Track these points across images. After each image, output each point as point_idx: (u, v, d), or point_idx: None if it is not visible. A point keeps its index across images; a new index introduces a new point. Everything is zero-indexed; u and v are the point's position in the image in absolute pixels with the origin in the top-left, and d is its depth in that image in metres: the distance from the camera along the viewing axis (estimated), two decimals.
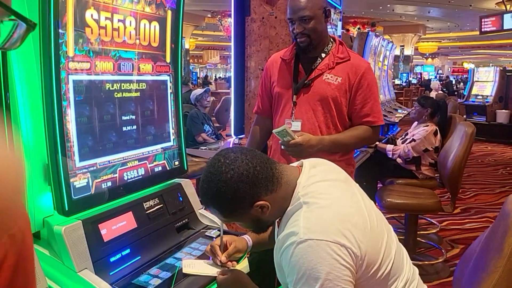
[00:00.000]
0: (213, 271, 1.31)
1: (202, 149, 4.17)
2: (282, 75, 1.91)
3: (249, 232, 1.45)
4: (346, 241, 1.00)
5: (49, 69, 1.18)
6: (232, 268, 1.33)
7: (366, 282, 1.05)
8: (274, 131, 1.73)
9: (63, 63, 1.22)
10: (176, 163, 1.71)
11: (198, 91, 5.10)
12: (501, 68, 9.82)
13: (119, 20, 1.39)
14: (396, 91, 10.86)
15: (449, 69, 29.82)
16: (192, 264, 1.36)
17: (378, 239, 1.08)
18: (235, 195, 1.06)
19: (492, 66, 12.39)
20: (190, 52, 21.36)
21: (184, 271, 1.31)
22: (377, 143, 3.77)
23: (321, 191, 1.10)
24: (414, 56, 22.74)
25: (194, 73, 23.28)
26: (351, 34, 7.15)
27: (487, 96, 9.18)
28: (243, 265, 1.42)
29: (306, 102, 1.84)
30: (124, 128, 1.45)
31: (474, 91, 9.57)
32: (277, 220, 1.21)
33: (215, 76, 26.03)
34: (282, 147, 1.77)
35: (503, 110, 8.87)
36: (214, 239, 1.47)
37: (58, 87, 1.20)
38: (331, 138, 1.81)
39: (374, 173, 3.66)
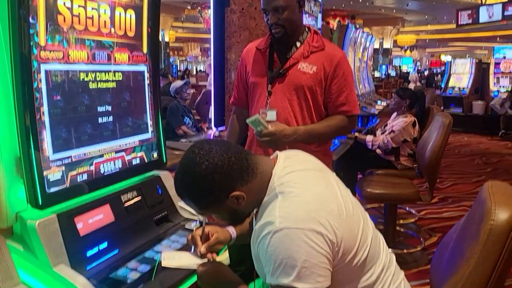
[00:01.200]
0: (193, 263, 1.29)
1: (182, 141, 4.12)
2: (257, 64, 1.89)
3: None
4: (322, 229, 1.00)
5: (20, 58, 1.13)
6: (212, 260, 1.32)
7: (343, 269, 1.05)
8: (247, 120, 1.72)
9: (34, 53, 1.18)
10: (155, 155, 1.69)
11: (178, 83, 5.04)
12: (477, 61, 10.02)
13: (92, 8, 1.35)
14: (375, 83, 10.97)
15: (427, 61, 30.28)
16: (172, 256, 1.34)
17: (354, 226, 1.09)
18: (210, 186, 1.06)
19: (468, 58, 12.64)
20: (170, 44, 21.07)
21: (163, 264, 1.29)
22: (356, 134, 3.80)
23: (296, 180, 1.09)
24: (393, 49, 23.00)
25: (174, 66, 23.01)
26: (331, 27, 7.17)
27: (464, 88, 9.37)
28: (224, 257, 1.41)
29: (281, 91, 1.82)
30: (100, 120, 1.42)
31: (451, 83, 9.74)
32: (254, 211, 1.21)
33: (196, 69, 25.79)
34: (257, 137, 1.76)
35: (479, 102, 9.07)
36: (195, 229, 1.45)
37: (29, 77, 1.16)
38: (306, 128, 1.80)
39: (354, 164, 3.69)
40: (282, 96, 1.82)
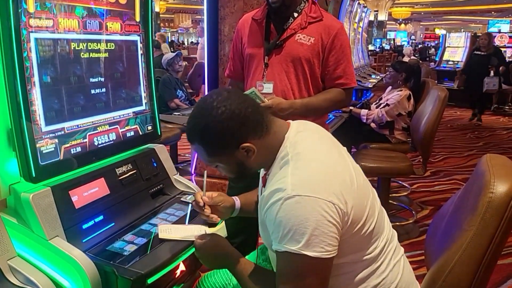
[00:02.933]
0: (190, 235, 1.29)
1: (175, 114, 4.09)
2: (253, 35, 1.84)
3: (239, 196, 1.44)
4: (334, 198, 1.00)
5: (8, 26, 1.09)
6: (210, 232, 1.32)
7: (350, 239, 1.05)
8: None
9: (23, 20, 1.13)
10: (149, 128, 1.66)
11: (170, 55, 4.95)
12: (472, 34, 9.95)
13: None
14: (370, 56, 10.89)
15: (422, 35, 30.06)
16: (169, 229, 1.34)
17: (364, 197, 1.09)
18: (224, 132, 1.05)
19: (463, 31, 12.56)
20: (161, 15, 20.64)
21: (160, 236, 1.29)
22: (351, 108, 3.78)
23: (310, 148, 1.09)
24: (387, 22, 22.75)
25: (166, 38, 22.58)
26: None
27: (458, 61, 9.33)
28: (221, 230, 1.40)
29: (278, 63, 1.79)
30: (93, 91, 1.38)
31: (445, 57, 9.70)
32: (262, 177, 1.19)
33: (187, 41, 25.35)
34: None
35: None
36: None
37: (18, 45, 1.12)
38: (303, 102, 1.78)
39: (349, 138, 3.69)
40: (279, 68, 1.79)
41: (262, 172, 1.27)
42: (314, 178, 1.02)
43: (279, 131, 1.12)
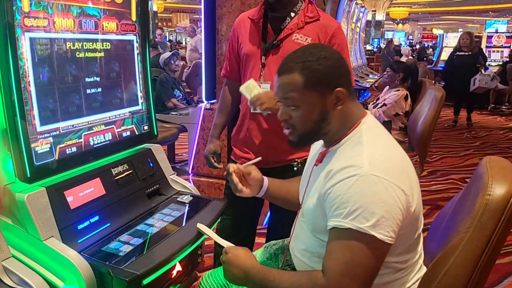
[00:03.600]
0: (223, 242, 1.30)
1: (172, 114, 4.08)
2: (250, 35, 1.83)
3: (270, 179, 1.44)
4: (406, 188, 1.02)
5: (2, 25, 1.08)
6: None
7: (404, 236, 1.06)
8: (240, 88, 1.68)
9: (18, 19, 1.12)
10: (145, 127, 1.65)
11: (166, 54, 4.94)
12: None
13: None
14: (367, 56, 10.90)
15: (419, 35, 30.10)
16: (206, 229, 1.35)
17: (420, 200, 1.10)
18: (330, 70, 1.07)
19: (460, 31, 12.57)
20: (159, 14, 20.60)
21: (198, 225, 1.32)
22: None
23: (384, 136, 1.12)
24: (385, 22, 22.79)
25: (163, 37, 22.54)
26: None
27: None
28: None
29: (275, 63, 1.76)
30: (88, 91, 1.37)
31: (443, 57, 9.70)
32: (320, 152, 1.18)
33: (185, 40, 25.32)
34: (250, 107, 1.70)
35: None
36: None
37: (13, 45, 1.11)
38: None
39: None
40: (276, 68, 1.78)
41: (316, 148, 1.27)
42: (391, 164, 1.04)
43: (357, 112, 1.13)
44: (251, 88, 1.65)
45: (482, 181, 1.05)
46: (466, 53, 6.66)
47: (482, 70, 6.92)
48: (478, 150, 5.55)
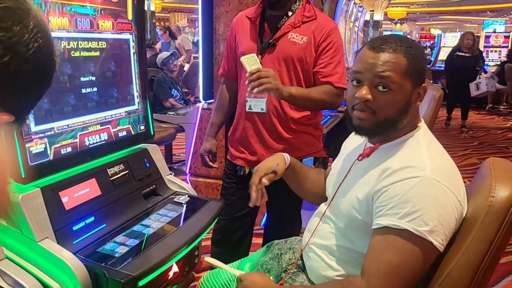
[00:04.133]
0: (235, 270, 1.29)
1: (169, 114, 4.06)
2: (247, 34, 1.82)
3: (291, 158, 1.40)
4: (462, 199, 1.02)
5: None
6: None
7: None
8: (241, 58, 1.61)
9: None
10: (142, 127, 1.64)
11: (164, 54, 4.93)
12: None
13: None
14: None
15: (417, 34, 30.14)
16: (214, 260, 1.31)
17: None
18: (423, 63, 1.08)
19: (458, 31, 12.59)
20: (156, 14, 20.55)
21: (206, 259, 1.28)
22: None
23: (437, 144, 1.11)
24: (383, 22, 22.80)
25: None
26: None
27: None
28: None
29: (271, 62, 1.75)
30: (84, 90, 1.36)
31: (440, 57, 9.71)
32: (369, 147, 1.15)
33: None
34: (248, 79, 1.60)
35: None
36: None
37: None
38: (298, 88, 1.74)
39: (344, 137, 3.68)
40: (272, 67, 1.74)
41: (353, 142, 1.26)
42: (450, 173, 1.03)
43: (417, 115, 1.12)
44: (252, 61, 1.63)
45: (485, 182, 1.04)
46: (467, 54, 6.51)
47: (483, 74, 6.83)
48: (476, 150, 5.55)
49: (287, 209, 1.90)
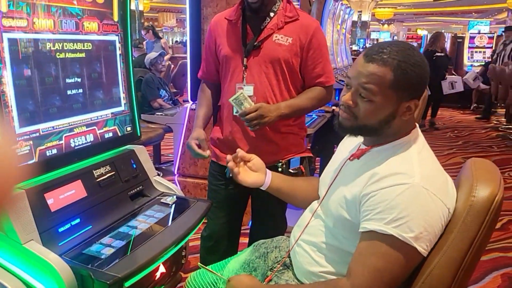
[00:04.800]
0: (225, 275, 1.32)
1: (158, 115, 4.05)
2: (229, 37, 1.80)
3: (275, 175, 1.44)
4: (451, 207, 1.04)
5: None
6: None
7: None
8: (230, 100, 1.65)
9: None
10: (128, 129, 1.64)
11: (153, 54, 4.91)
12: (452, 35, 10.11)
13: None
14: (353, 56, 10.96)
15: (404, 35, 30.44)
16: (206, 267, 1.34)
17: None
18: (417, 79, 1.04)
19: (444, 32, 12.75)
20: (145, 14, 20.42)
21: (199, 264, 1.30)
22: (334, 108, 3.80)
23: (429, 152, 1.12)
24: (371, 22, 22.98)
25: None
26: None
27: None
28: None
29: (257, 65, 1.75)
30: (69, 92, 1.36)
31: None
32: (360, 148, 1.18)
33: (172, 40, 25.14)
34: (241, 118, 1.67)
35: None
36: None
37: None
38: (288, 104, 1.75)
39: (331, 137, 3.71)
40: (258, 69, 1.75)
41: (348, 142, 1.26)
42: (439, 181, 1.04)
43: (411, 123, 1.12)
44: (241, 100, 1.63)
45: (466, 183, 1.07)
46: (442, 54, 6.74)
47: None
48: (461, 149, 5.64)
49: (272, 212, 1.90)
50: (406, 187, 0.99)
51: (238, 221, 1.99)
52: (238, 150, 1.41)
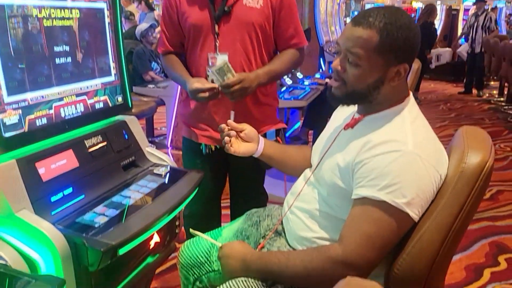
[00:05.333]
0: (218, 242, 1.32)
1: (150, 87, 4.01)
2: (194, 3, 1.68)
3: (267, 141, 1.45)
4: (443, 173, 1.05)
5: None
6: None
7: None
8: (212, 69, 1.57)
9: None
10: (119, 99, 1.62)
11: (143, 26, 4.82)
12: (447, 7, 10.00)
13: None
14: None
15: None
16: (199, 233, 1.37)
17: None
18: (405, 42, 1.03)
19: (439, 4, 12.60)
20: None
21: (191, 232, 1.33)
22: (327, 80, 3.79)
23: (423, 120, 1.13)
24: None
25: None
26: None
27: None
28: None
29: (229, 32, 1.66)
30: (58, 60, 1.33)
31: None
32: (354, 118, 1.18)
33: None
34: (223, 90, 1.60)
35: (447, 49, 9.15)
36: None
37: None
38: (265, 70, 1.69)
39: (324, 110, 3.70)
40: (231, 37, 1.66)
41: (343, 112, 1.26)
42: (432, 148, 1.05)
43: (404, 90, 1.12)
44: (224, 71, 1.54)
45: (458, 150, 1.08)
46: (434, 25, 6.77)
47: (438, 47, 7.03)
48: (453, 122, 5.68)
49: (250, 184, 1.88)
50: (399, 154, 1.00)
51: (217, 199, 1.96)
52: (229, 121, 1.39)
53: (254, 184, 1.92)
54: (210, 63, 1.68)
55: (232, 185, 1.96)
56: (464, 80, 7.98)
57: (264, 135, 1.75)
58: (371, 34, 1.02)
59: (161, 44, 1.82)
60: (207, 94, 1.59)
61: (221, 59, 1.64)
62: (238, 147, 1.38)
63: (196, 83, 1.61)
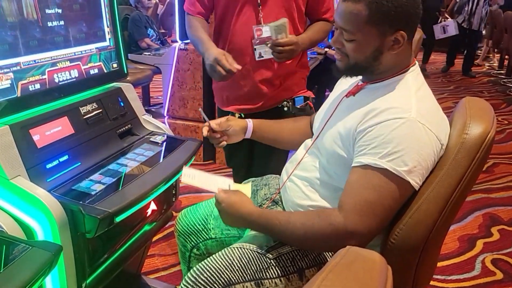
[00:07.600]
0: (213, 187, 1.25)
1: (145, 54, 3.94)
2: None
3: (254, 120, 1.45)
4: (444, 142, 1.05)
5: None
6: (234, 189, 1.26)
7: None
8: (271, 24, 1.55)
9: None
10: (114, 65, 1.58)
11: None
12: None
13: None
14: None
15: None
16: (193, 175, 1.31)
17: None
18: (398, 9, 1.00)
19: None
20: None
21: (182, 180, 1.28)
22: (326, 49, 3.73)
23: (427, 89, 1.12)
24: None
25: None
26: None
27: None
28: (246, 189, 1.30)
29: (274, 1, 1.63)
30: (50, 24, 1.28)
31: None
32: (357, 85, 1.17)
33: None
34: (272, 46, 1.58)
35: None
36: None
37: None
38: (307, 37, 1.71)
39: (323, 80, 3.67)
40: (279, 6, 1.64)
41: (346, 80, 1.24)
42: (436, 116, 1.05)
43: (408, 58, 1.10)
44: (281, 29, 1.54)
45: (460, 120, 1.06)
46: None
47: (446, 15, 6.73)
48: (452, 94, 5.65)
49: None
50: (402, 121, 0.99)
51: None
52: (212, 126, 1.40)
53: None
54: (255, 36, 1.65)
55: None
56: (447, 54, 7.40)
57: (293, 101, 1.77)
58: (360, 8, 1.01)
59: (191, 4, 1.76)
60: (223, 72, 1.50)
61: (265, 29, 1.63)
62: (228, 141, 1.42)
63: (223, 56, 1.51)
